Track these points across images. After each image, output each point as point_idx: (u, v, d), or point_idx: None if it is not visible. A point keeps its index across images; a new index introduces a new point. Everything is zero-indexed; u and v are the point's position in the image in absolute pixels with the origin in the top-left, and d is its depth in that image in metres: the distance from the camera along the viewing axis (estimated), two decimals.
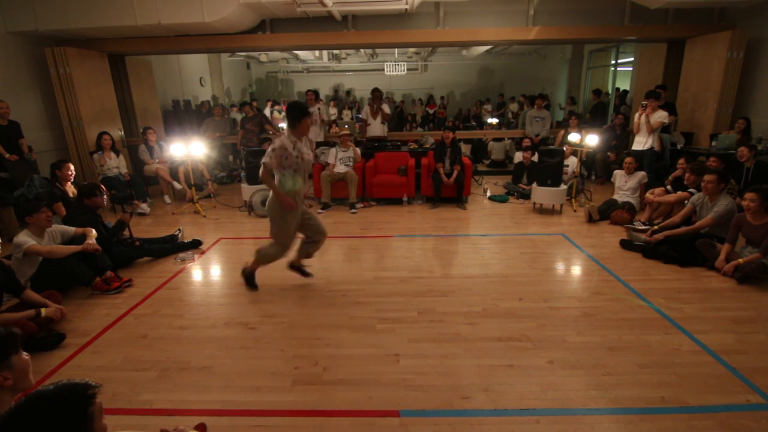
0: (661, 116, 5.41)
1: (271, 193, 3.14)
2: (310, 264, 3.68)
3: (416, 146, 7.30)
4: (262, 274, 3.78)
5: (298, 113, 3.04)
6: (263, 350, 2.63)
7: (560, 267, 3.95)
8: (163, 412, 2.11)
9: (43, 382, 2.37)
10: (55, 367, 2.49)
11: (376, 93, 7.17)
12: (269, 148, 3.09)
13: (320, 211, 5.77)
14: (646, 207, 4.94)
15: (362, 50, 13.34)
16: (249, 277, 3.47)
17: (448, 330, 2.81)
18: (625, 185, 5.20)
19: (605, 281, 3.53)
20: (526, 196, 6.15)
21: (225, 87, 13.40)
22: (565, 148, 5.83)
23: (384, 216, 5.58)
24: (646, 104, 5.47)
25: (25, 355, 1.48)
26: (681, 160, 5.00)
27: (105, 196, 3.99)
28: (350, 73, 17.00)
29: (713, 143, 5.89)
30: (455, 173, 5.78)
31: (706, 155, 5.52)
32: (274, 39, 6.91)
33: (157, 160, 6.44)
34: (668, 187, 4.86)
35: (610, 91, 10.86)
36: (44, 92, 6.43)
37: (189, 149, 5.67)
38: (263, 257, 3.34)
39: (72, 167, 4.75)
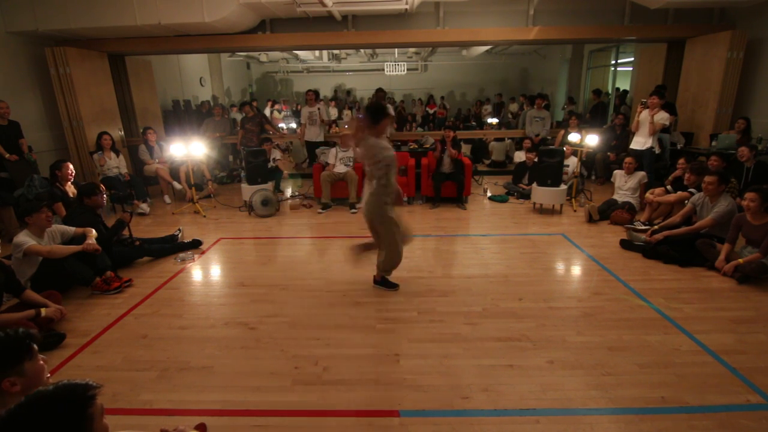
0: (662, 117, 5.41)
1: (367, 194, 3.20)
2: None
3: (416, 146, 7.30)
4: (262, 274, 3.79)
5: (379, 115, 3.07)
6: (263, 350, 2.63)
7: (560, 267, 3.95)
8: (163, 412, 2.11)
9: None
10: (55, 367, 2.49)
11: (380, 93, 7.17)
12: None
13: (320, 211, 5.77)
14: (646, 207, 4.94)
15: (362, 50, 13.34)
16: (384, 282, 3.45)
17: (448, 330, 2.81)
18: (624, 185, 5.20)
19: (605, 281, 3.53)
20: (526, 196, 6.15)
21: (225, 87, 13.41)
22: (565, 148, 5.83)
23: None
24: (646, 101, 5.46)
25: (41, 360, 1.41)
26: (681, 160, 5.00)
27: (105, 195, 3.99)
28: (350, 73, 17.00)
29: (713, 143, 5.89)
30: (458, 151, 5.87)
31: (706, 155, 5.52)
32: (274, 39, 6.91)
33: (157, 160, 6.44)
34: (668, 187, 4.87)
35: (610, 91, 10.87)
36: (44, 92, 6.43)
37: (189, 149, 5.67)
38: (386, 268, 3.37)
39: (71, 167, 4.75)
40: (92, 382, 1.11)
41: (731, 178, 4.49)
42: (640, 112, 5.56)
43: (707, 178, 3.84)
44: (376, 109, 3.10)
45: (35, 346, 1.41)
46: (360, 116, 3.08)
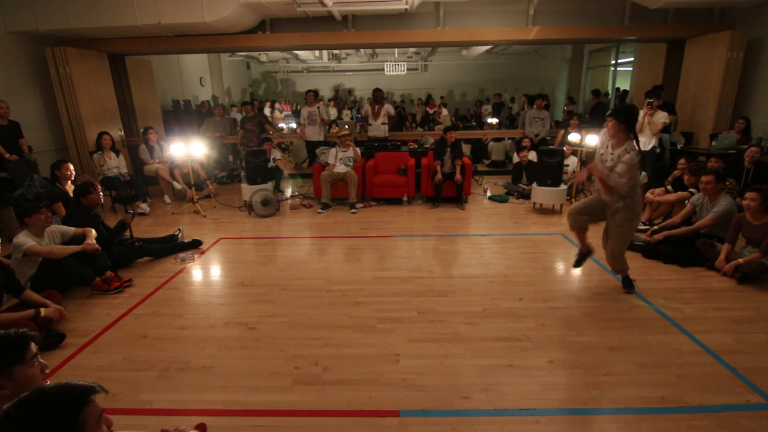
0: (662, 117, 5.40)
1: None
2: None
3: (416, 146, 7.30)
4: (262, 274, 3.79)
5: (633, 118, 2.86)
6: (263, 350, 2.63)
7: (560, 267, 3.94)
8: (163, 412, 2.11)
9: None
10: (55, 367, 2.49)
11: (378, 93, 7.17)
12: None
13: (320, 211, 5.77)
14: (646, 207, 4.94)
15: (362, 50, 13.33)
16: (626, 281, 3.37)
17: (448, 330, 2.81)
18: None
19: (605, 281, 3.53)
20: (526, 196, 6.15)
21: (225, 87, 13.40)
22: (564, 148, 5.83)
23: (384, 216, 5.58)
24: (652, 102, 5.42)
25: (35, 367, 1.33)
26: (681, 161, 4.99)
27: (101, 193, 3.98)
28: (350, 73, 16.99)
29: (713, 143, 5.89)
30: (458, 169, 5.77)
31: (706, 155, 5.51)
32: (274, 39, 6.91)
33: (157, 160, 6.45)
34: (668, 187, 4.86)
35: (610, 91, 10.86)
36: (44, 92, 6.43)
37: (189, 149, 5.67)
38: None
39: (71, 167, 4.75)
40: (93, 384, 1.08)
41: (729, 177, 4.49)
42: (645, 114, 5.51)
43: (704, 178, 3.85)
44: (632, 111, 2.89)
45: (33, 349, 1.34)
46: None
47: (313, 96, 7.29)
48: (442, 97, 15.26)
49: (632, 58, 9.87)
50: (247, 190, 5.73)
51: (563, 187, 5.45)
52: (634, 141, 2.85)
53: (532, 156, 6.71)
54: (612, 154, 2.90)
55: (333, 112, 12.71)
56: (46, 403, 1.00)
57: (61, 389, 1.03)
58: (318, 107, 7.32)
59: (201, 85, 12.00)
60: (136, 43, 6.70)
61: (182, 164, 5.97)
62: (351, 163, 6.00)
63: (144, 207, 5.84)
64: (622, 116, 2.82)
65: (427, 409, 2.10)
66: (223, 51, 10.88)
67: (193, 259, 4.14)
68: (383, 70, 14.07)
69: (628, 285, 3.32)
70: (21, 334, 1.34)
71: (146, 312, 3.15)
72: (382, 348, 2.62)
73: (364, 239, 4.69)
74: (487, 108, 13.57)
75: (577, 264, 3.47)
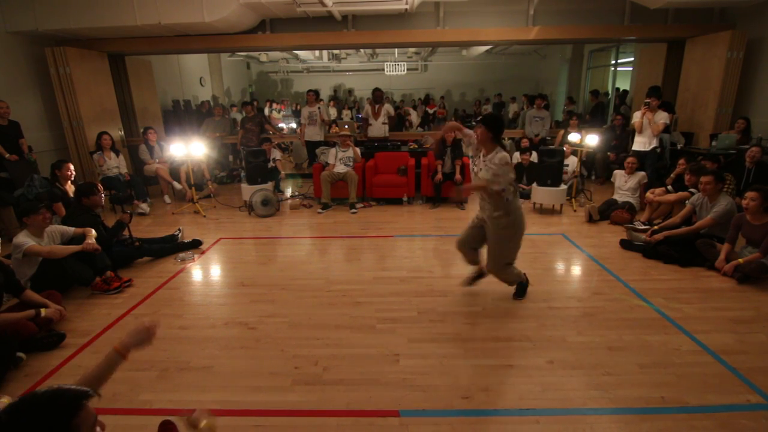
0: (662, 117, 5.41)
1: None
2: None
3: (416, 146, 7.30)
4: (262, 274, 3.79)
5: (501, 126, 2.86)
6: (263, 350, 2.63)
7: (560, 267, 3.95)
8: (163, 412, 2.10)
9: (43, 382, 2.37)
10: (55, 367, 2.49)
11: (378, 93, 7.18)
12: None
13: (320, 211, 5.77)
14: (646, 207, 4.94)
15: (362, 50, 13.34)
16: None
17: (448, 330, 2.81)
18: (625, 185, 5.20)
19: (605, 281, 3.53)
20: (526, 196, 6.15)
21: (225, 87, 13.40)
22: (564, 148, 5.83)
23: (384, 216, 5.58)
24: (649, 102, 5.43)
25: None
26: (681, 161, 4.99)
27: (103, 195, 3.98)
28: (350, 73, 16.99)
29: (713, 143, 5.89)
30: (458, 168, 5.78)
31: (706, 155, 5.51)
32: (274, 39, 6.91)
33: (157, 160, 6.44)
34: (669, 187, 4.86)
35: (609, 91, 10.86)
36: (44, 92, 6.43)
37: (189, 149, 5.67)
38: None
39: (72, 167, 4.75)
40: (86, 389, 1.04)
41: (726, 174, 4.48)
42: (643, 114, 5.51)
43: (703, 179, 3.85)
44: (497, 120, 2.84)
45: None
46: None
47: (313, 96, 7.29)
48: (442, 97, 15.26)
49: (632, 58, 9.87)
50: (247, 190, 5.73)
51: (563, 187, 5.45)
52: (503, 150, 2.83)
53: (533, 156, 6.71)
54: (484, 161, 2.86)
55: (333, 112, 12.71)
56: (38, 409, 0.96)
57: (53, 394, 1.00)
58: (318, 107, 7.32)
59: (201, 85, 12.00)
60: (136, 43, 6.70)
61: (187, 163, 5.93)
62: (351, 163, 6.00)
63: (144, 207, 5.84)
64: (491, 124, 2.79)
65: (427, 409, 2.10)
66: (223, 51, 10.88)
67: (193, 259, 4.14)
68: (383, 70, 14.07)
69: (520, 293, 3.23)
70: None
71: (146, 312, 3.14)
72: (382, 348, 2.62)
73: (364, 239, 4.69)
74: (487, 108, 13.57)
75: (469, 283, 3.32)
